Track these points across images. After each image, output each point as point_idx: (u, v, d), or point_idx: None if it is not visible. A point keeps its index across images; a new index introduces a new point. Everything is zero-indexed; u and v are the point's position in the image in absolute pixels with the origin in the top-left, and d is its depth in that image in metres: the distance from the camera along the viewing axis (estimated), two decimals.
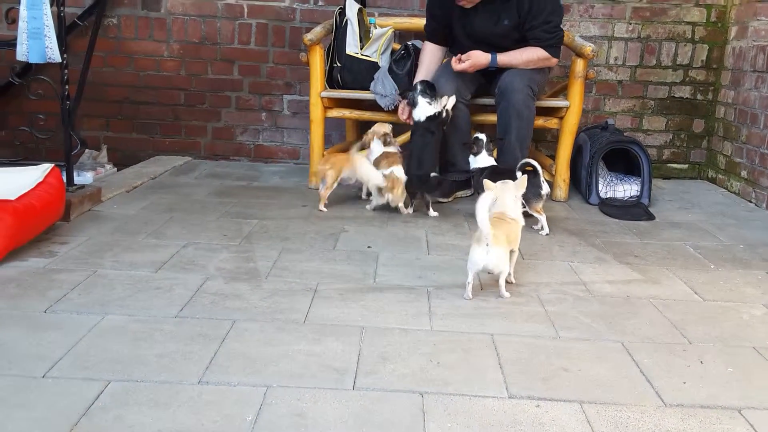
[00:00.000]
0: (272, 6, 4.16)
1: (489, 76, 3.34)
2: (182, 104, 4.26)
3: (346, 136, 4.14)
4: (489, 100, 3.41)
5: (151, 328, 1.87)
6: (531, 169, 2.84)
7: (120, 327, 1.88)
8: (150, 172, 3.76)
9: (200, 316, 1.96)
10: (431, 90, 3.16)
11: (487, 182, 2.31)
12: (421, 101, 3.13)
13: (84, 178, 3.40)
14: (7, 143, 3.37)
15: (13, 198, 2.42)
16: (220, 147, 4.32)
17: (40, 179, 2.61)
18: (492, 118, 3.40)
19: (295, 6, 4.15)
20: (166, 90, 4.23)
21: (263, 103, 4.28)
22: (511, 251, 2.23)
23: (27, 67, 3.71)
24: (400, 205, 3.11)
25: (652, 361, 1.82)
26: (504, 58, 3.21)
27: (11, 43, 2.83)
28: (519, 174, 2.72)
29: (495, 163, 3.10)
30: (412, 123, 3.20)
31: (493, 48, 3.21)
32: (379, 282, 2.28)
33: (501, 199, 2.31)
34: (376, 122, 3.60)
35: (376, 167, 3.10)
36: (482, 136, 3.11)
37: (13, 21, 2.87)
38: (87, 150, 3.75)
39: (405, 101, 3.29)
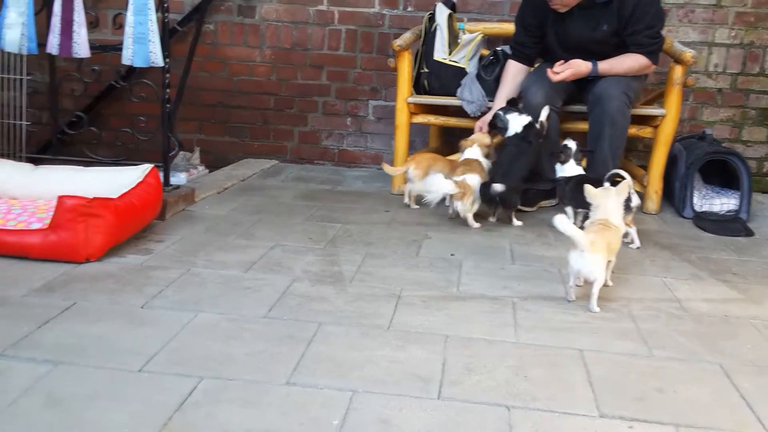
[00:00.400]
0: (362, 12, 4.21)
1: (581, 83, 3.25)
2: (271, 109, 4.37)
3: (429, 142, 4.14)
4: (578, 108, 3.33)
5: (241, 327, 1.93)
6: (620, 179, 2.75)
7: (212, 325, 1.94)
8: (239, 174, 3.88)
9: (288, 317, 2.00)
10: (513, 105, 3.14)
11: (589, 189, 2.27)
12: (512, 117, 3.09)
13: (178, 178, 3.54)
14: (108, 144, 3.56)
15: (115, 197, 2.55)
16: (306, 151, 4.40)
17: (141, 179, 2.73)
18: (580, 125, 3.31)
19: (384, 12, 4.19)
20: (257, 95, 4.36)
21: (349, 108, 4.33)
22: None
23: (129, 71, 3.92)
24: (469, 217, 2.99)
25: (754, 385, 1.72)
26: (604, 65, 3.11)
27: (117, 48, 2.97)
28: (607, 185, 2.63)
29: (582, 173, 3.02)
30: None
31: (589, 55, 3.12)
32: (462, 291, 2.25)
33: (603, 205, 2.26)
34: (461, 129, 3.58)
35: (451, 173, 3.07)
36: (572, 144, 3.02)
37: (119, 26, 3.02)
38: (181, 152, 3.90)
39: (490, 128, 3.25)
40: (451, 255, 2.61)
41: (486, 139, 3.21)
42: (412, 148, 3.99)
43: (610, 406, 1.58)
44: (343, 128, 4.36)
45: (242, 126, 4.41)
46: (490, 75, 3.47)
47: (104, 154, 3.31)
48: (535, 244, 2.81)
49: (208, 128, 4.43)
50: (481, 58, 3.67)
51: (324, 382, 1.64)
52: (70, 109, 4.05)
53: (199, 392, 1.58)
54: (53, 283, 2.20)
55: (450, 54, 3.61)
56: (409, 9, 4.18)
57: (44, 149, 3.76)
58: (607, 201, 2.28)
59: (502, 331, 1.95)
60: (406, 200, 3.30)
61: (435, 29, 3.64)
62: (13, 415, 1.47)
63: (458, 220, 3.08)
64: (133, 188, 2.66)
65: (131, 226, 2.61)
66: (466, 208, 2.97)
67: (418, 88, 3.69)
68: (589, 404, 1.59)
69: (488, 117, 3.28)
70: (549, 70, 3.11)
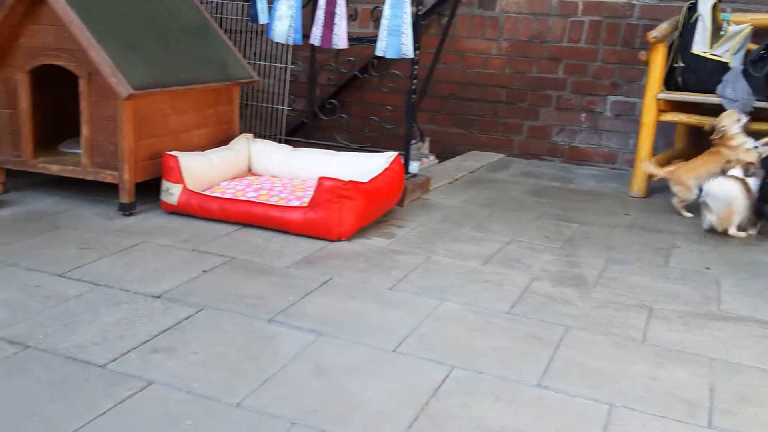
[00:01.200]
0: (609, 2, 3.99)
1: None
2: (503, 102, 4.34)
3: (674, 143, 3.82)
4: None
5: (485, 320, 1.93)
6: None
7: (456, 315, 1.96)
8: (468, 166, 3.90)
9: (531, 316, 1.96)
10: None
11: None
12: None
13: (411, 167, 3.65)
14: (349, 130, 3.79)
15: (364, 181, 2.69)
16: (534, 146, 4.31)
17: (386, 166, 2.86)
18: None
19: (634, 2, 3.93)
20: (489, 87, 4.35)
21: (585, 103, 4.15)
22: None
23: (369, 63, 4.12)
24: (731, 229, 2.74)
25: None
26: None
27: (371, 39, 3.11)
28: None
29: None
30: None
31: None
32: (724, 310, 2.04)
33: None
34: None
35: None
36: None
37: (376, 19, 3.17)
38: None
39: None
40: (706, 269, 2.38)
41: (748, 157, 2.88)
42: (655, 149, 3.72)
43: None
44: (576, 124, 4.19)
45: (472, 118, 4.44)
46: (759, 71, 3.10)
47: (345, 139, 3.52)
48: None
49: (439, 119, 4.52)
50: (748, 52, 3.29)
51: (576, 389, 1.58)
52: (319, 97, 4.36)
53: (451, 381, 1.61)
54: (311, 257, 2.38)
55: (711, 47, 3.29)
56: None
57: (293, 133, 4.11)
58: None
59: None
60: (677, 205, 3.10)
61: (695, 20, 3.33)
62: (285, 379, 1.61)
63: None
64: (380, 174, 2.79)
65: (377, 210, 2.74)
66: (726, 220, 2.71)
67: (668, 83, 3.41)
68: None
69: None
70: None
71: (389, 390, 1.57)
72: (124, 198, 2.71)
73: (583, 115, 4.17)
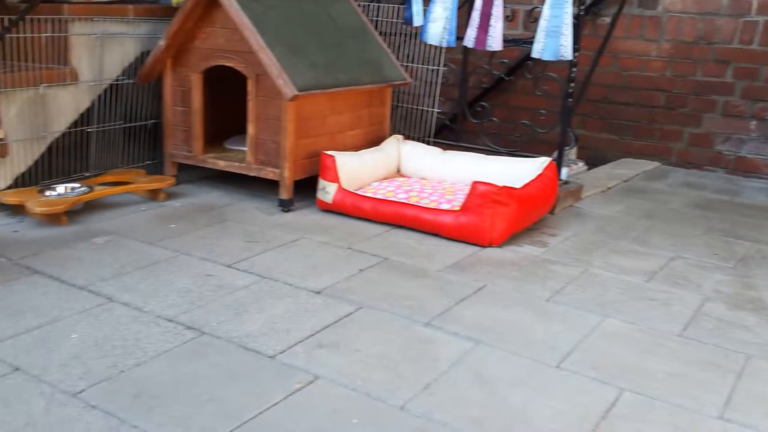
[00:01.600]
0: None
1: None
2: (661, 107, 4.09)
3: None
4: None
5: (654, 341, 1.81)
6: None
7: (622, 333, 1.86)
8: (621, 174, 3.71)
9: (706, 341, 1.82)
10: None
11: None
12: None
13: (561, 173, 3.53)
14: (490, 133, 3.71)
15: (517, 186, 2.63)
16: (694, 155, 4.02)
17: (539, 171, 2.78)
18: None
19: None
20: (646, 91, 4.12)
21: (756, 110, 3.82)
22: None
23: (516, 66, 4.03)
24: None
25: None
26: None
27: (527, 41, 3.03)
28: None
29: None
30: None
31: None
32: None
33: None
34: None
35: None
36: None
37: (534, 20, 3.08)
38: None
39: None
40: None
41: None
42: None
43: None
44: (745, 132, 3.86)
45: (625, 123, 4.22)
46: None
47: (488, 142, 3.46)
48: None
49: (589, 123, 4.34)
50: None
51: (765, 425, 1.44)
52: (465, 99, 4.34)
53: (622, 404, 1.52)
54: (463, 262, 2.36)
55: None
56: None
57: (436, 134, 4.11)
58: None
59: None
60: None
61: None
62: (446, 386, 1.59)
63: None
64: (533, 180, 2.71)
65: (529, 217, 2.67)
66: None
67: None
68: None
69: None
70: None
71: (556, 408, 1.51)
72: (284, 194, 2.83)
73: (753, 123, 3.83)
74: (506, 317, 1.95)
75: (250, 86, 2.83)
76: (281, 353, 1.72)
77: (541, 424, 1.46)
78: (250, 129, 2.87)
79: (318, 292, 2.08)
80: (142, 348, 1.72)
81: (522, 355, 1.74)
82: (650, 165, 4.00)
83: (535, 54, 2.99)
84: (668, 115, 4.08)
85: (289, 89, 2.68)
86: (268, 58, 2.70)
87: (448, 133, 3.70)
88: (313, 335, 1.82)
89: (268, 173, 2.86)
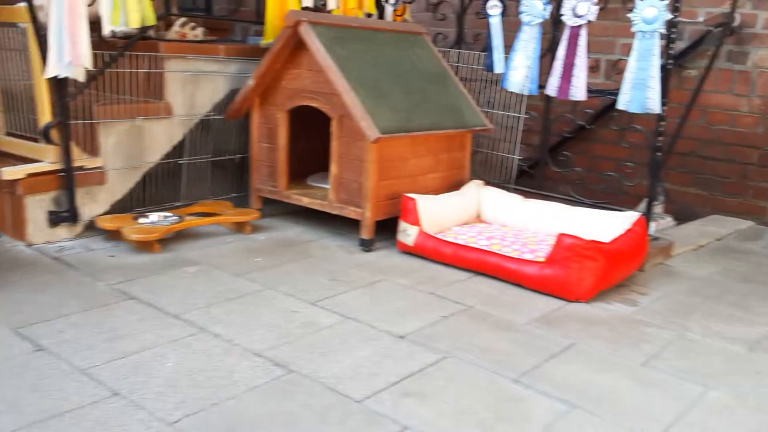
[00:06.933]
0: None
1: None
2: (754, 164, 3.92)
3: None
4: None
5: (764, 419, 1.69)
6: None
7: (728, 407, 1.74)
8: (712, 232, 3.55)
9: None
10: None
11: None
12: None
13: (650, 228, 3.41)
14: (580, 184, 3.63)
15: (606, 241, 2.54)
16: None
17: (628, 226, 2.68)
18: None
19: None
20: (737, 147, 3.96)
21: None
22: None
23: (597, 115, 3.95)
24: None
25: None
26: None
27: (612, 92, 2.98)
28: None
29: None
30: None
31: None
32: None
33: None
34: None
35: None
36: None
37: (619, 72, 3.03)
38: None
39: None
40: None
41: None
42: None
43: None
44: None
45: (715, 179, 4.06)
46: None
47: (571, 192, 3.38)
48: None
49: (676, 177, 4.19)
50: None
51: None
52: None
53: None
54: (549, 317, 2.28)
55: None
56: None
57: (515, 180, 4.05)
58: None
59: None
60: None
61: None
62: None
63: None
64: (622, 234, 2.62)
65: (618, 274, 2.57)
66: None
67: None
68: None
69: None
70: None
71: None
72: (365, 234, 2.82)
73: None
74: (600, 381, 1.85)
75: (334, 127, 2.86)
76: (368, 398, 1.68)
77: None
78: (333, 168, 2.89)
79: (402, 337, 2.04)
80: (234, 381, 1.71)
81: (621, 425, 1.64)
82: (743, 224, 3.82)
83: (621, 106, 2.92)
84: (761, 172, 3.90)
85: (371, 132, 2.69)
86: (351, 100, 2.73)
87: (528, 181, 3.63)
88: (398, 382, 1.77)
89: (350, 212, 2.86)
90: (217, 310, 2.13)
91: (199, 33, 3.38)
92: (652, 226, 3.49)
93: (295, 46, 2.93)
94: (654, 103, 2.88)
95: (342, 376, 1.78)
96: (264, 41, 3.26)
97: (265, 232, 2.97)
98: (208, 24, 3.73)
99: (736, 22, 3.89)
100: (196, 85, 3.13)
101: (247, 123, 3.17)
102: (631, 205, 3.08)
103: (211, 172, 3.25)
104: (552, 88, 3.17)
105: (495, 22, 3.39)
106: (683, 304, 2.47)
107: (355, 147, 2.83)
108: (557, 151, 4.42)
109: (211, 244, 2.77)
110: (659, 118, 2.96)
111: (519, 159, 3.55)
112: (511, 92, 3.41)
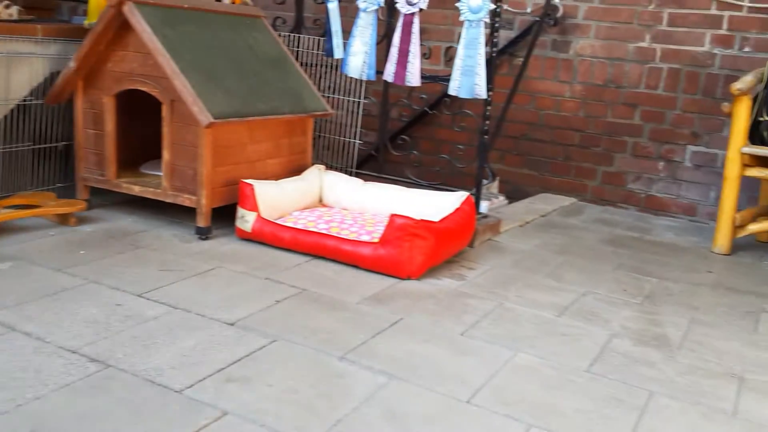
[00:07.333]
0: (688, 50, 3.90)
1: None
2: (576, 145, 4.26)
3: (758, 200, 3.66)
4: None
5: (563, 377, 1.86)
6: None
7: (532, 368, 1.90)
8: (539, 209, 3.83)
9: (612, 377, 1.88)
10: None
11: None
12: None
13: (481, 207, 3.61)
14: (418, 166, 3.78)
15: (434, 220, 2.66)
16: (608, 192, 4.21)
17: (457, 205, 2.83)
18: None
19: (715, 51, 3.83)
20: (562, 130, 4.29)
21: (662, 151, 4.04)
22: None
23: (439, 100, 4.13)
24: None
25: None
26: None
27: (445, 78, 3.11)
28: None
29: None
30: None
31: None
32: None
33: None
34: None
35: None
36: None
37: (450, 58, 3.17)
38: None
39: None
40: None
41: None
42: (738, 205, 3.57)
43: None
44: (654, 172, 4.07)
45: (543, 160, 4.37)
46: None
47: (414, 175, 3.51)
48: None
49: (509, 159, 4.47)
50: None
51: None
52: (387, 131, 4.39)
53: None
54: (381, 295, 2.36)
55: None
56: (746, 49, 3.76)
57: (360, 165, 4.13)
58: None
59: None
60: None
61: None
62: (358, 422, 1.57)
63: None
64: (451, 214, 2.76)
65: (447, 251, 2.71)
66: None
67: (753, 137, 3.29)
68: None
69: None
70: None
71: None
72: (201, 222, 2.76)
73: (661, 163, 4.05)
74: (421, 351, 1.95)
75: (165, 112, 2.77)
76: (189, 388, 1.66)
77: None
78: (166, 155, 2.79)
79: (232, 324, 2.02)
80: (42, 381, 1.62)
81: (434, 390, 1.74)
82: (567, 201, 4.15)
83: (451, 91, 3.07)
84: (583, 153, 4.25)
85: (204, 116, 2.63)
86: (182, 84, 2.65)
87: (375, 165, 3.72)
88: (223, 369, 1.76)
89: (185, 200, 2.79)
90: (30, 307, 2.00)
91: (13, 12, 3.12)
92: (485, 205, 3.71)
93: (121, 26, 2.78)
94: (481, 89, 3.05)
95: (163, 367, 1.74)
96: (87, 21, 3.08)
97: (92, 224, 2.82)
98: (30, 3, 3.46)
99: (559, 13, 4.19)
100: (12, 68, 2.89)
101: (71, 108, 2.98)
102: (471, 186, 3.25)
103: (32, 161, 3.02)
104: (389, 74, 3.25)
105: (333, 7, 3.41)
106: (505, 277, 2.65)
107: (189, 132, 2.75)
108: (407, 134, 4.56)
109: (30, 238, 2.59)
110: (486, 103, 3.14)
111: (360, 143, 3.62)
112: (351, 77, 3.47)
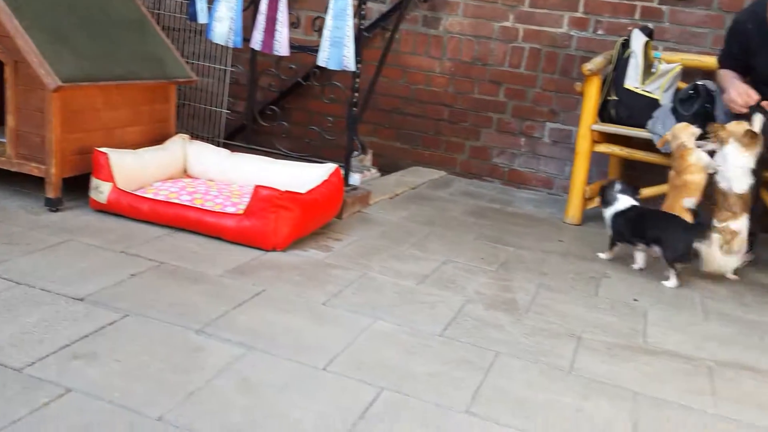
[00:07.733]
0: (548, 31, 4.11)
1: None
2: (445, 120, 4.38)
3: (608, 174, 3.95)
4: None
5: (418, 342, 1.93)
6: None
7: (390, 335, 1.96)
8: (409, 181, 3.92)
9: (463, 340, 1.97)
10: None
11: None
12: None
13: (353, 179, 3.63)
14: (289, 137, 3.74)
15: (301, 191, 2.66)
16: (475, 166, 4.37)
17: (325, 177, 2.83)
18: None
19: (572, 33, 4.06)
20: (432, 105, 4.39)
21: (524, 127, 4.25)
22: None
23: (312, 72, 4.10)
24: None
25: None
26: None
27: (314, 49, 3.08)
28: None
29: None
30: None
31: None
32: (650, 343, 2.11)
33: None
34: (645, 163, 3.40)
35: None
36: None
37: (319, 29, 3.15)
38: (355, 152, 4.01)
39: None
40: (634, 300, 2.46)
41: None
42: (589, 178, 3.84)
43: None
44: (516, 147, 4.28)
45: (415, 134, 4.46)
46: (687, 110, 3.24)
47: (284, 146, 3.47)
48: (729, 302, 2.57)
49: (382, 132, 4.52)
50: (677, 90, 3.45)
51: (505, 419, 1.59)
52: (260, 101, 4.30)
53: (380, 403, 1.60)
54: (244, 267, 2.33)
55: (643, 83, 3.43)
56: (600, 32, 4.02)
57: (231, 136, 4.03)
58: None
59: (699, 399, 1.79)
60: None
61: (628, 56, 3.46)
62: (210, 394, 1.56)
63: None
64: (318, 185, 2.76)
65: (314, 222, 2.71)
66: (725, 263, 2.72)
67: (603, 115, 3.53)
68: None
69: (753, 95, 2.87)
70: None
71: (318, 410, 1.54)
72: (51, 193, 2.58)
73: (523, 139, 4.26)
74: (281, 321, 1.95)
75: (8, 74, 2.56)
76: (30, 366, 1.57)
77: (301, 427, 1.47)
78: (10, 120, 2.59)
79: (81, 299, 1.92)
80: None
81: (292, 359, 1.75)
82: (437, 174, 4.27)
83: (320, 62, 3.05)
84: (452, 128, 4.38)
85: (51, 80, 2.46)
86: (26, 44, 2.46)
87: (246, 136, 3.64)
88: (69, 345, 1.68)
89: (32, 169, 2.60)
90: None
91: None
92: (357, 178, 3.73)
93: None
94: (350, 61, 3.04)
95: (2, 345, 1.63)
96: None
97: None
98: None
99: None
100: None
101: None
102: (340, 158, 3.25)
103: None
104: (256, 42, 3.16)
105: None
106: (371, 247, 2.69)
107: (35, 97, 2.55)
108: (280, 105, 4.48)
109: None
110: (354, 75, 3.14)
111: (229, 113, 3.53)
112: (218, 44, 3.35)
